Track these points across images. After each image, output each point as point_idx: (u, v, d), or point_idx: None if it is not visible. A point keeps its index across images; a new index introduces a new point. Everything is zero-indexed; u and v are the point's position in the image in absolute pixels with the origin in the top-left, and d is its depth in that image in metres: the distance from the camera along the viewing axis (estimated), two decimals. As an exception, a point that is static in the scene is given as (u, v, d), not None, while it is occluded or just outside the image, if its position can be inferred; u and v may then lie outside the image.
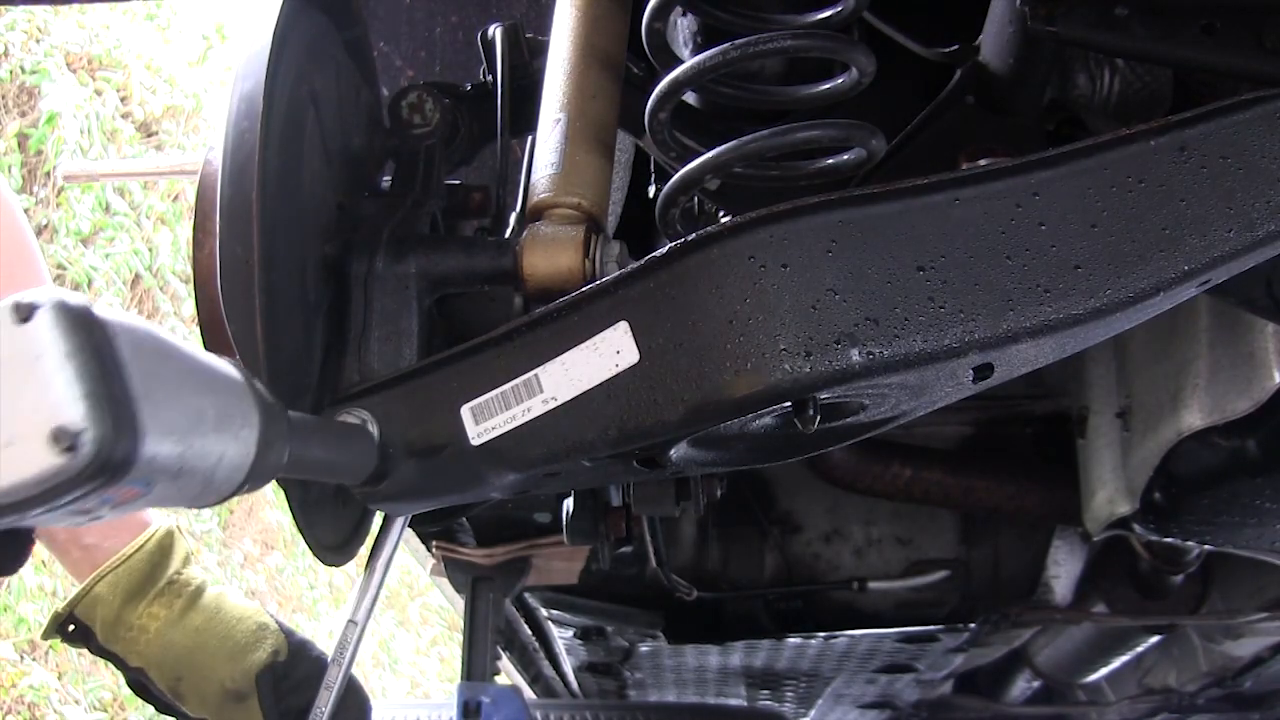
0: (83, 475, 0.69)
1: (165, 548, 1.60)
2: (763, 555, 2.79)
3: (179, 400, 0.76)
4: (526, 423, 0.96)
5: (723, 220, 1.20)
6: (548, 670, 3.47)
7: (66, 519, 0.74)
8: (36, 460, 0.69)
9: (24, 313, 0.71)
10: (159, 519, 1.64)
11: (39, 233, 5.73)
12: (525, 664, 3.42)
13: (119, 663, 1.57)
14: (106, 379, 0.71)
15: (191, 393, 0.78)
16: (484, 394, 0.97)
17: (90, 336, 0.72)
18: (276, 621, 1.61)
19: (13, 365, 0.70)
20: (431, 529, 2.29)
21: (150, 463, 0.72)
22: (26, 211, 5.57)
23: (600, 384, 0.94)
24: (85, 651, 1.61)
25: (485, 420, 0.97)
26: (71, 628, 1.57)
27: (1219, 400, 1.70)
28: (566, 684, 3.52)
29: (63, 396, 0.69)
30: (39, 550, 1.62)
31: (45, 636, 1.62)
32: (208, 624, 1.55)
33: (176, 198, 6.79)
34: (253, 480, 0.82)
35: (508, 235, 1.27)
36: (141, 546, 1.58)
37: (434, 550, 2.37)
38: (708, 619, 2.86)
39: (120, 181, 6.32)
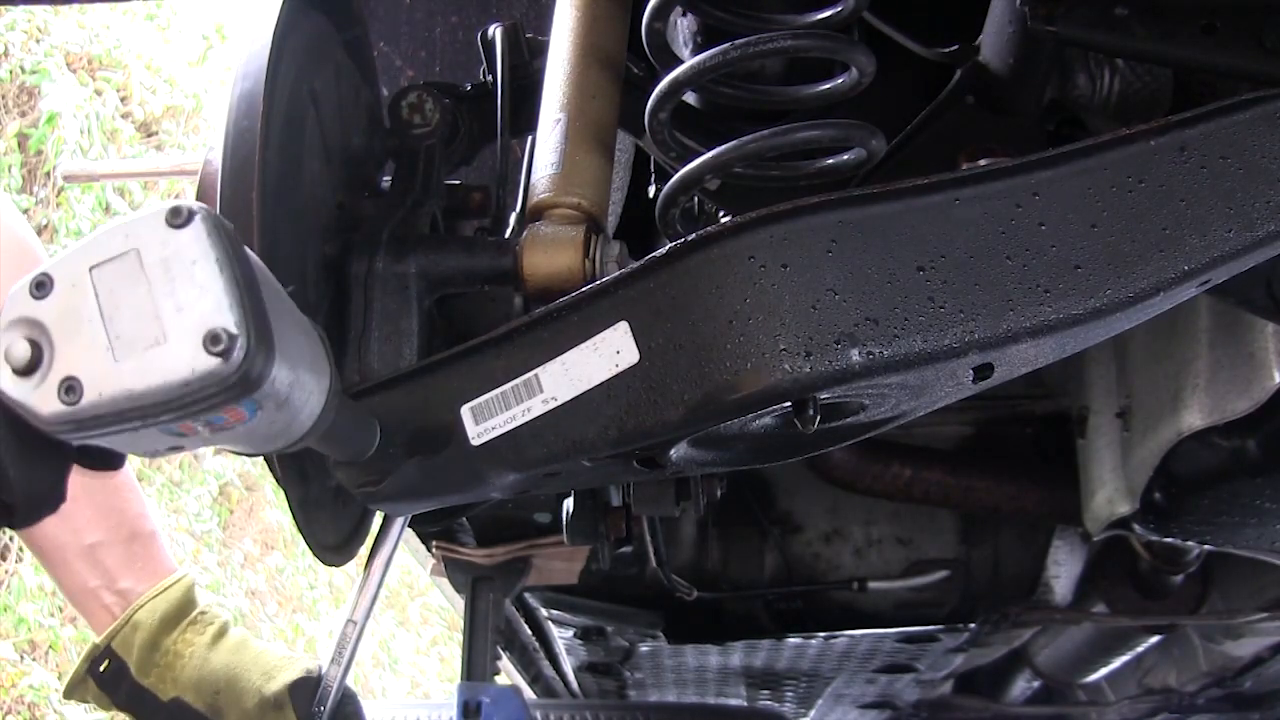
0: (227, 381, 0.69)
1: (190, 587, 1.66)
2: (763, 555, 2.79)
3: (292, 331, 0.76)
4: (526, 423, 0.96)
5: (723, 220, 1.20)
6: (548, 670, 3.47)
7: (165, 438, 0.73)
8: (187, 361, 0.69)
9: (181, 218, 0.71)
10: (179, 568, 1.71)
11: (39, 233, 5.72)
12: (525, 664, 3.42)
13: (150, 706, 1.57)
14: (253, 293, 0.71)
15: (297, 329, 0.78)
16: (484, 394, 0.97)
17: (239, 251, 0.72)
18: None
19: (166, 267, 0.70)
20: (431, 529, 2.29)
21: (272, 383, 0.72)
22: (26, 212, 5.57)
23: (600, 384, 0.94)
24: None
25: (485, 420, 0.97)
26: (105, 664, 1.57)
27: (1219, 400, 1.70)
28: (566, 684, 3.52)
29: (219, 302, 0.69)
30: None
31: (69, 690, 1.61)
32: (239, 648, 1.61)
33: (177, 198, 6.77)
34: (314, 433, 0.83)
35: (508, 235, 1.27)
36: (177, 582, 1.64)
37: (434, 550, 2.37)
38: (708, 619, 2.86)
39: (120, 181, 6.32)
